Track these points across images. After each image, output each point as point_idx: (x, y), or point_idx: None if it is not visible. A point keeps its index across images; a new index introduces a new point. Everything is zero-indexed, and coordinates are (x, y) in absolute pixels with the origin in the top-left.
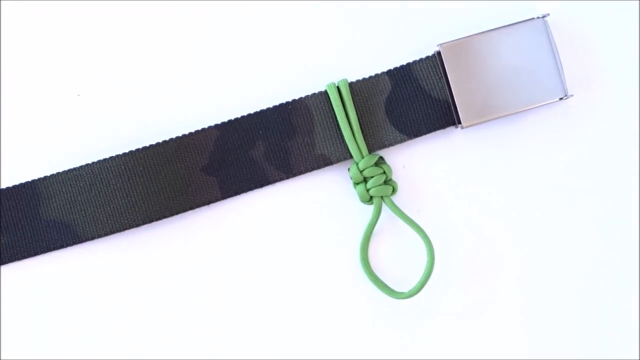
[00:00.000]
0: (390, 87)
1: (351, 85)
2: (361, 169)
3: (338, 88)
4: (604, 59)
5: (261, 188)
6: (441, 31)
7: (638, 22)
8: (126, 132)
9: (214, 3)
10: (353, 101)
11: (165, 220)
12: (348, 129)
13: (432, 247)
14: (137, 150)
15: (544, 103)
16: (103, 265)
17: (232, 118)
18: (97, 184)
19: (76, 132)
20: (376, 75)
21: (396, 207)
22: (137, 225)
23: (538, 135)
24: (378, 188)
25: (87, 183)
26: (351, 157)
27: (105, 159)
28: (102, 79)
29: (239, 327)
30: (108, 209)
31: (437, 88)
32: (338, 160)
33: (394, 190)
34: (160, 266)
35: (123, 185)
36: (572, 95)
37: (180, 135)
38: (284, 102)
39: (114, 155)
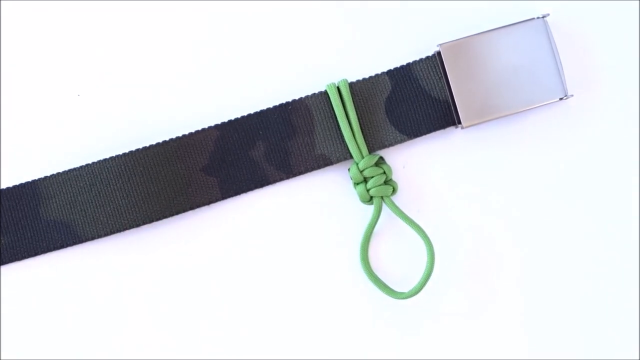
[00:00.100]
0: (390, 87)
1: (351, 85)
2: (361, 169)
3: (338, 88)
4: (604, 59)
5: (261, 188)
6: (441, 31)
7: (638, 22)
8: (126, 132)
9: (214, 3)
10: (353, 101)
11: (165, 220)
12: (348, 129)
13: (432, 247)
14: (137, 150)
15: (544, 103)
16: (103, 265)
17: (232, 118)
18: (97, 184)
19: (76, 132)
20: (376, 75)
21: (396, 207)
22: (137, 225)
23: (538, 135)
24: (378, 188)
25: (87, 183)
26: (351, 157)
27: (105, 159)
28: (102, 79)
29: (240, 327)
30: (108, 209)
31: (437, 88)
32: (338, 161)
33: (394, 191)
34: (160, 266)
35: (123, 185)
36: (572, 95)
37: (180, 135)
38: (284, 102)
39: (114, 155)
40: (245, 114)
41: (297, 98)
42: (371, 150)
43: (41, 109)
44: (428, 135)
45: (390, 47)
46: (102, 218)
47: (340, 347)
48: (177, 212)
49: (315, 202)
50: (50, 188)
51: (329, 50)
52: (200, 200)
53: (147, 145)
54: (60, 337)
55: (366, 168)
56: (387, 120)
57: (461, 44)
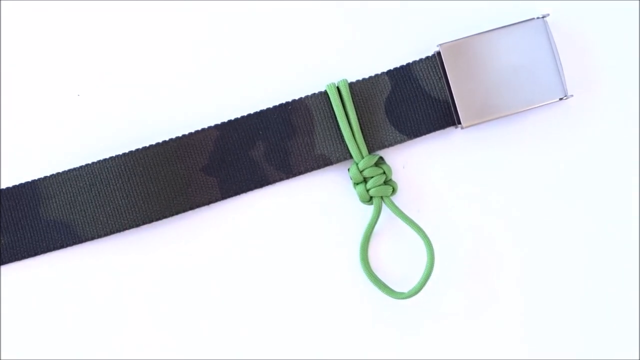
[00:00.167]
0: (390, 87)
1: (351, 86)
2: (361, 169)
3: (338, 88)
4: (604, 59)
5: (261, 188)
6: (441, 31)
7: (638, 22)
8: (126, 132)
9: (214, 3)
10: (353, 101)
11: (165, 220)
12: (348, 129)
13: (432, 247)
14: (137, 150)
15: (544, 103)
16: (103, 265)
17: (232, 118)
18: (97, 184)
19: (76, 132)
20: (376, 75)
21: (396, 207)
22: (137, 225)
23: (538, 135)
24: (378, 188)
25: (87, 183)
26: (351, 157)
27: (105, 159)
28: (102, 79)
29: (240, 327)
30: (108, 209)
31: (437, 88)
32: (338, 161)
33: (393, 191)
34: (160, 266)
35: (123, 185)
36: (572, 96)
37: (180, 135)
38: (284, 102)
39: (114, 155)
40: (245, 114)
41: (297, 98)
42: (371, 150)
43: (41, 109)
44: (428, 135)
45: (390, 47)
46: (102, 218)
47: (340, 347)
48: (177, 212)
49: (315, 202)
50: (50, 188)
51: (329, 50)
52: (200, 200)
53: (147, 145)
54: (60, 337)
55: (366, 168)
56: (387, 120)
57: (461, 44)
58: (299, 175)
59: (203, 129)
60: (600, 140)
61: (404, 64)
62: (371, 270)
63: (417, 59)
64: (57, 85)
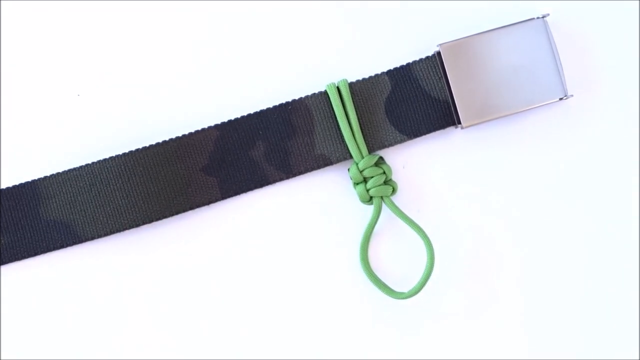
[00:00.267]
0: (390, 87)
1: (351, 85)
2: (361, 169)
3: (338, 88)
4: (604, 59)
5: (261, 188)
6: (441, 31)
7: (638, 22)
8: (126, 132)
9: (214, 3)
10: (353, 101)
11: (165, 220)
12: (348, 129)
13: (432, 247)
14: (137, 150)
15: (544, 103)
16: (103, 265)
17: (232, 118)
18: (97, 184)
19: (76, 132)
20: (376, 75)
21: (396, 207)
22: (137, 225)
23: (538, 135)
24: (378, 188)
25: (87, 183)
26: (351, 157)
27: (105, 159)
28: (102, 79)
29: (240, 327)
30: (108, 209)
31: (437, 88)
32: (338, 161)
33: (393, 191)
34: (160, 266)
35: (123, 185)
36: (572, 96)
37: (180, 135)
38: (284, 102)
39: (114, 155)
40: (245, 114)
41: (297, 98)
42: (371, 150)
43: (41, 109)
44: (428, 135)
45: (390, 47)
46: (102, 218)
47: (341, 347)
48: (177, 212)
49: (315, 202)
50: (50, 188)
51: (329, 50)
52: (200, 200)
53: (147, 145)
54: (60, 337)
55: (366, 168)
56: (387, 120)
57: (461, 44)
58: (299, 175)
59: (203, 129)
60: (600, 140)
61: (404, 64)
62: (371, 270)
63: (417, 59)
64: (57, 85)
